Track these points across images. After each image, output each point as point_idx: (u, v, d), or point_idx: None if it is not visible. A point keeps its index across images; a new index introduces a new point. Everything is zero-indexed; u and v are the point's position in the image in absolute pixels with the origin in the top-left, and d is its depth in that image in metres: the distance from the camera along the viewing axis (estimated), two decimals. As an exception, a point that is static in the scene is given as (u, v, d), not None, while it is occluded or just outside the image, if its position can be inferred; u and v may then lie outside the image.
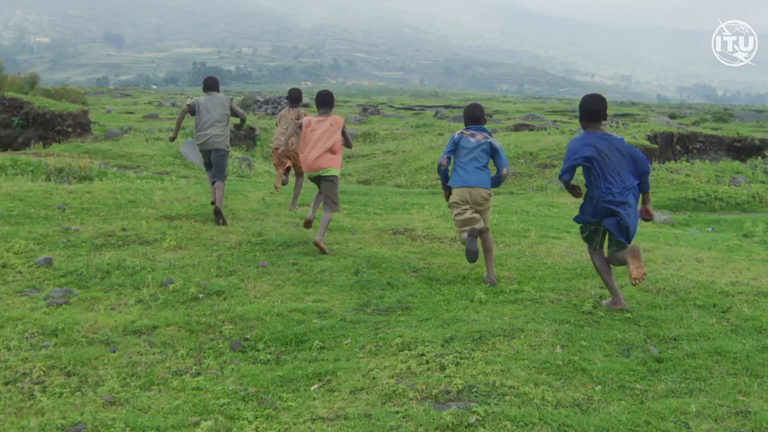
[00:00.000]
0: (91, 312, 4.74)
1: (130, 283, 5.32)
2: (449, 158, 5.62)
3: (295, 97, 8.93)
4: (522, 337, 4.15)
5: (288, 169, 8.69)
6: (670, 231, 8.94)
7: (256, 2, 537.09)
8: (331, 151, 6.64)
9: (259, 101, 36.27)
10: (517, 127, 27.65)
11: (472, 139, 5.61)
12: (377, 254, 6.22)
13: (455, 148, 5.62)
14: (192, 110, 8.17)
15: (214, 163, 7.85)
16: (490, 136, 5.78)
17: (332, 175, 6.63)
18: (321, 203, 6.83)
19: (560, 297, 5.08)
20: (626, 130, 24.83)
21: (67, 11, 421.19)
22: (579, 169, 4.83)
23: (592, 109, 4.91)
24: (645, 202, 4.92)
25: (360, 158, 21.25)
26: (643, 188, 4.84)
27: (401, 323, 4.56)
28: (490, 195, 5.66)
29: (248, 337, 4.38)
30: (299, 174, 8.79)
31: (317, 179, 6.75)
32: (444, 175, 5.72)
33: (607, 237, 4.92)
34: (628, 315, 4.59)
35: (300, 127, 6.97)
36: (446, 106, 73.23)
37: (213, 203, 7.55)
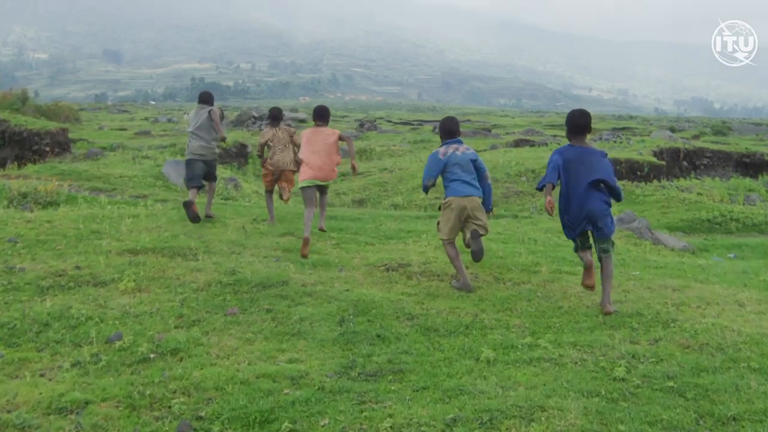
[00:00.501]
0: (15, 380, 3.88)
1: (70, 339, 4.45)
2: (436, 180, 6.01)
3: (276, 116, 9.26)
4: (543, 419, 3.29)
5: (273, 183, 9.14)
6: (693, 261, 8.11)
7: (254, 18, 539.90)
8: (336, 164, 7.71)
9: (254, 117, 35.60)
10: (518, 143, 26.89)
11: (458, 153, 6.03)
12: (366, 297, 5.37)
13: (445, 167, 5.94)
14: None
15: (206, 170, 8.84)
16: (461, 143, 6.22)
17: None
18: (310, 215, 7.36)
19: (584, 356, 4.22)
20: (631, 145, 24.12)
21: (65, 28, 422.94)
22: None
23: (579, 123, 5.32)
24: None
25: (356, 176, 20.44)
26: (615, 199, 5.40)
27: (392, 394, 3.70)
28: (480, 200, 6.02)
29: (202, 415, 3.52)
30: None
31: (320, 187, 7.89)
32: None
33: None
34: (671, 383, 3.73)
35: (299, 146, 8.08)
36: (444, 121, 72.52)
37: (186, 203, 8.17)
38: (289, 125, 11.20)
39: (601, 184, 5.17)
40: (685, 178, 19.61)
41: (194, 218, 8.08)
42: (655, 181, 17.09)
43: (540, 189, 5.33)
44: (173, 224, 7.94)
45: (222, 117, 9.34)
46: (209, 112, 8.71)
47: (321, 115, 7.74)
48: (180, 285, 5.62)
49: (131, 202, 9.75)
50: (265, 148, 9.06)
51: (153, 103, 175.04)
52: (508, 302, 5.44)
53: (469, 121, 74.60)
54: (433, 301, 5.45)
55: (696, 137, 40.62)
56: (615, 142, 31.62)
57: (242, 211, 9.70)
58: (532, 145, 25.97)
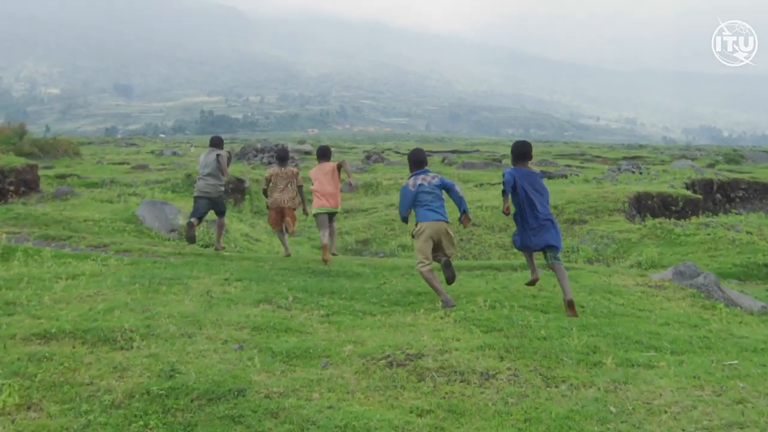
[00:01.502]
0: None
1: None
2: (410, 210, 6.73)
3: (283, 157, 10.05)
4: None
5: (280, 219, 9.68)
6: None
7: (263, 52, 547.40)
8: (338, 191, 9.29)
9: (255, 149, 34.21)
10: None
11: (426, 183, 6.63)
12: (359, 421, 3.59)
13: (415, 197, 6.59)
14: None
15: (211, 206, 9.83)
16: (427, 173, 6.76)
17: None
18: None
19: None
20: (656, 177, 22.33)
21: (77, 63, 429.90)
22: None
23: (522, 151, 6.59)
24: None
25: (360, 213, 18.76)
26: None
27: None
28: (449, 225, 6.78)
29: None
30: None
31: (329, 214, 9.24)
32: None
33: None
34: None
35: (300, 187, 9.73)
36: (453, 152, 71.11)
37: (189, 223, 9.54)
38: (296, 165, 11.41)
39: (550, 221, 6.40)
40: (722, 213, 17.78)
41: (191, 239, 9.43)
42: (693, 218, 15.31)
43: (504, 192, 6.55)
44: (117, 289, 6.21)
45: (230, 160, 10.06)
46: (217, 155, 9.73)
47: (323, 154, 9.55)
48: (89, 398, 3.86)
49: (82, 255, 8.04)
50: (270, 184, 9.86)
51: (163, 136, 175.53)
52: (569, 424, 3.64)
53: (477, 151, 73.19)
54: (457, 424, 3.65)
55: (711, 166, 39.04)
56: (635, 173, 29.87)
57: (215, 266, 7.97)
58: (550, 177, 24.25)
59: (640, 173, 30.81)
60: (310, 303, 6.24)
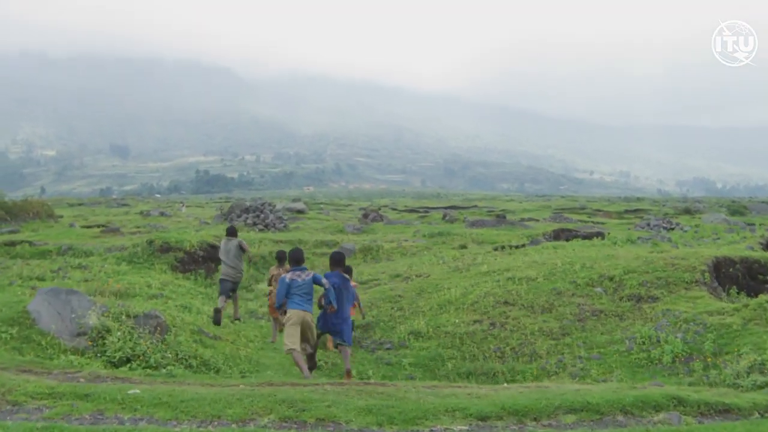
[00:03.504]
0: None
1: None
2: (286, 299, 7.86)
3: (281, 258, 11.37)
4: None
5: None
6: None
7: (258, 112, 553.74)
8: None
9: (241, 209, 30.83)
10: (558, 234, 21.81)
11: (299, 280, 7.84)
12: None
13: (289, 289, 7.78)
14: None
15: (233, 287, 11.54)
16: (304, 270, 8.01)
17: None
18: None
19: None
20: (733, 236, 18.89)
21: (73, 124, 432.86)
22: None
23: (338, 259, 8.51)
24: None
25: (359, 286, 15.24)
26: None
27: None
28: (311, 315, 7.90)
29: None
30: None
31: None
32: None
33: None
34: None
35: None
36: (451, 207, 68.20)
37: (216, 309, 10.74)
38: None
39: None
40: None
41: (217, 322, 10.40)
42: (786, 290, 11.87)
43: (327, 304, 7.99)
44: None
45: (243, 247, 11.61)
46: (239, 243, 11.55)
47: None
48: None
49: None
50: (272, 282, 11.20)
51: (158, 196, 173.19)
52: None
53: (476, 206, 70.31)
54: None
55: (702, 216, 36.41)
56: (671, 229, 26.57)
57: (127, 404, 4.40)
58: (585, 237, 20.84)
59: (672, 229, 27.54)
60: None
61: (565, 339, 10.54)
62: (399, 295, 13.74)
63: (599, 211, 58.23)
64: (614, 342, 10.15)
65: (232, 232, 11.60)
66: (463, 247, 20.06)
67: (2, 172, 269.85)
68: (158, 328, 7.46)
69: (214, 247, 17.43)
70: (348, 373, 8.11)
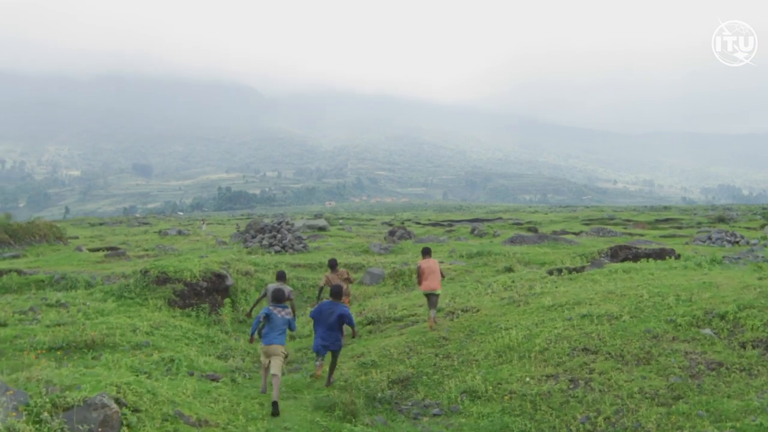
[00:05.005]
0: None
1: None
2: (262, 325, 8.97)
3: (333, 265, 12.58)
4: None
5: None
6: None
7: (279, 128, 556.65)
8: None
9: (256, 229, 28.30)
10: (616, 252, 18.87)
11: (279, 315, 8.87)
12: None
13: (268, 319, 8.84)
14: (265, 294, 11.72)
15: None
16: (285, 308, 9.08)
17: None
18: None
19: None
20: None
21: (97, 145, 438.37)
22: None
23: (336, 291, 9.81)
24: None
25: (391, 324, 12.54)
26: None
27: None
28: (282, 347, 8.82)
29: None
30: None
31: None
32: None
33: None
34: None
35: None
36: (475, 220, 65.24)
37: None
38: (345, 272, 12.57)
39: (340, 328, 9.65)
40: None
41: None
42: None
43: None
44: None
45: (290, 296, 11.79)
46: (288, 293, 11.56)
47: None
48: None
49: None
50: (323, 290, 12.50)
51: (181, 213, 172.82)
52: None
53: (500, 218, 67.22)
54: None
55: (764, 227, 33.25)
56: (734, 243, 23.53)
57: None
58: (648, 256, 17.86)
59: (737, 242, 24.45)
60: None
61: (679, 405, 7.74)
62: (444, 337, 11.01)
63: (629, 221, 55.39)
64: (751, 411, 7.33)
65: (282, 277, 11.83)
66: (509, 270, 17.29)
67: (28, 192, 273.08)
68: (104, 426, 4.90)
69: (220, 277, 14.90)
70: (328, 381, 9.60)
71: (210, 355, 10.62)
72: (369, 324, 12.58)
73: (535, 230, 43.88)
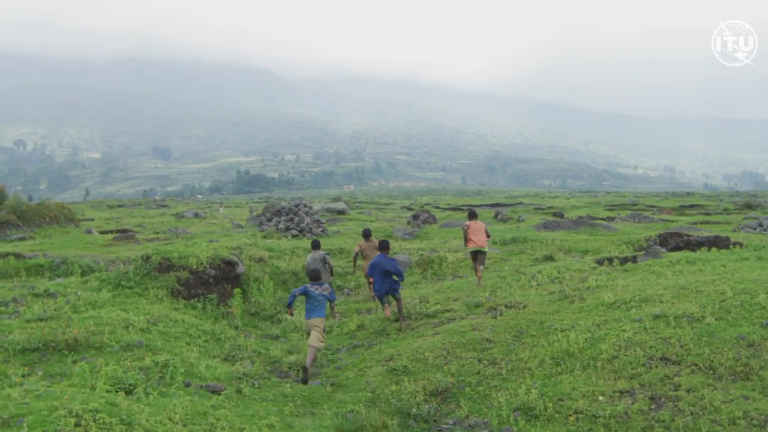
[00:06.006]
0: None
1: None
2: (294, 299, 9.66)
3: (367, 234, 13.65)
4: None
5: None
6: None
7: (298, 112, 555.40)
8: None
9: (272, 212, 26.78)
10: (665, 240, 17.04)
11: (316, 292, 9.52)
12: None
13: (306, 295, 9.55)
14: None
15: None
16: (322, 285, 9.71)
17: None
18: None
19: None
20: None
21: (117, 128, 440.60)
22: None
23: (384, 245, 11.40)
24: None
25: (423, 320, 10.92)
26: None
27: None
28: (321, 320, 9.41)
29: None
30: None
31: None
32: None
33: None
34: None
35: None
36: (496, 204, 63.37)
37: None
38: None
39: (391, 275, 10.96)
40: None
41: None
42: None
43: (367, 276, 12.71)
44: None
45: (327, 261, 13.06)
46: (324, 256, 12.89)
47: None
48: None
49: None
50: (359, 256, 13.43)
51: (200, 196, 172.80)
52: None
53: (521, 203, 65.30)
54: None
55: None
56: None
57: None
58: (690, 242, 16.10)
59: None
60: None
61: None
62: (487, 339, 9.37)
63: (653, 207, 53.73)
64: None
65: (316, 246, 12.85)
66: (550, 258, 15.58)
67: (49, 174, 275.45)
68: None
69: (230, 264, 13.38)
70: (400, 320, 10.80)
71: (214, 357, 9.10)
72: (398, 320, 10.97)
73: (561, 215, 41.96)
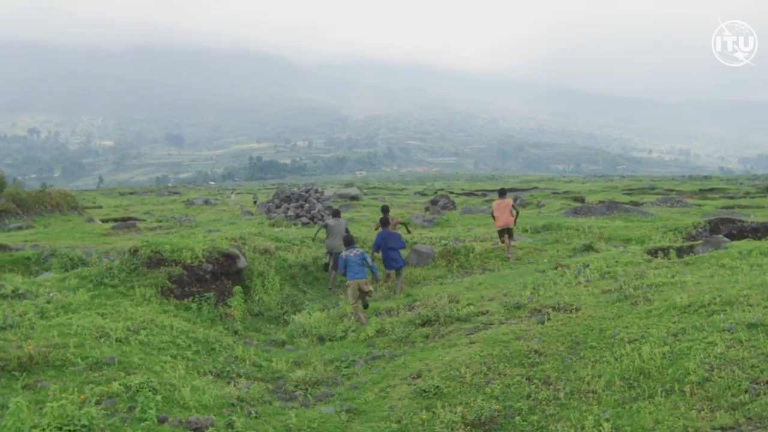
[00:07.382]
0: None
1: None
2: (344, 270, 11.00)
3: (386, 210, 14.29)
4: None
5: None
6: None
7: (310, 98, 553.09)
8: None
9: (281, 198, 25.15)
10: (716, 226, 15.22)
11: (352, 255, 10.80)
12: None
13: (346, 262, 10.80)
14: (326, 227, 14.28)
15: (334, 260, 13.88)
16: (355, 248, 11.08)
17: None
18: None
19: None
20: None
21: (130, 115, 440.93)
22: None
23: (385, 221, 13.19)
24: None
25: (455, 325, 9.20)
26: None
27: None
28: (366, 282, 10.74)
29: None
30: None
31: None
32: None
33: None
34: None
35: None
36: (511, 190, 61.32)
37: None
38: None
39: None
40: None
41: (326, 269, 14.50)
42: None
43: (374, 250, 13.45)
44: None
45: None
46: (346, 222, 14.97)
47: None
48: None
49: None
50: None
51: (212, 183, 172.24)
52: None
53: (536, 188, 63.32)
54: None
55: None
56: None
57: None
58: (750, 230, 14.31)
59: None
60: None
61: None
62: (536, 351, 7.69)
63: (671, 191, 52.08)
64: None
65: (337, 214, 14.83)
66: (590, 248, 13.83)
67: (63, 162, 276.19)
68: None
69: (230, 258, 11.77)
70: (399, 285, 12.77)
71: (205, 374, 7.49)
72: (424, 325, 9.30)
73: (582, 200, 40.19)
